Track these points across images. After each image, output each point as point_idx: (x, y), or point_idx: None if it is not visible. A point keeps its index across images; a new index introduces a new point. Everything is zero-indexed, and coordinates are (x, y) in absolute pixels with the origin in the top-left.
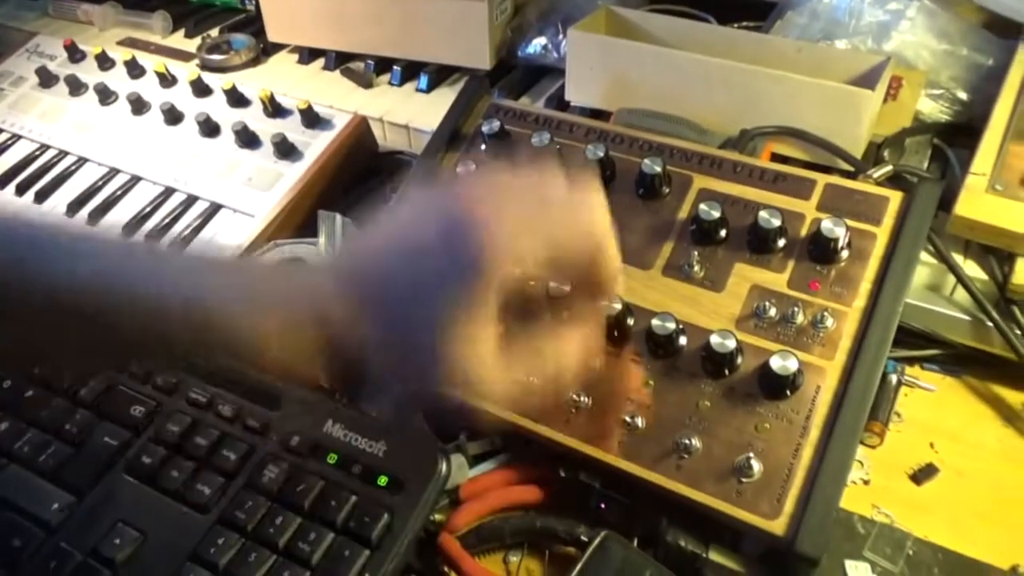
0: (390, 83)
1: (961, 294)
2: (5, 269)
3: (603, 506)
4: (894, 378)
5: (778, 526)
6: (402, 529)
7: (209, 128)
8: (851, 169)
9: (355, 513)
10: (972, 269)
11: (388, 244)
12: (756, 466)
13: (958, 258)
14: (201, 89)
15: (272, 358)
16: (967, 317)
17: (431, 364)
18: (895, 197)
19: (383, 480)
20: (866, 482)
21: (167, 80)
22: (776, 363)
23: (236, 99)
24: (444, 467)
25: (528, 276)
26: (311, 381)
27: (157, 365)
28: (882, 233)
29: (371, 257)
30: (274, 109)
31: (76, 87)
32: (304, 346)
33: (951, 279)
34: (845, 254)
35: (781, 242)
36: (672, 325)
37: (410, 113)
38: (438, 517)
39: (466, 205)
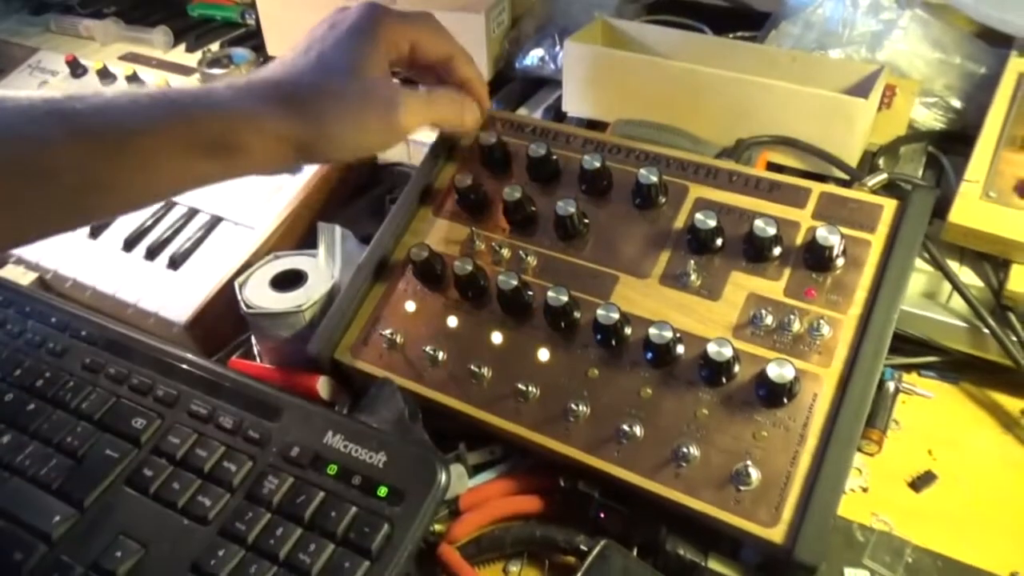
0: None
1: (957, 301)
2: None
3: (602, 515)
4: (891, 385)
5: (776, 534)
6: (402, 540)
7: None
8: (846, 177)
9: (355, 524)
10: (967, 276)
11: (285, 54)
12: (754, 474)
13: (953, 265)
14: None
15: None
16: (963, 324)
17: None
18: (889, 205)
19: (383, 491)
20: (865, 490)
21: None
22: (773, 371)
23: None
24: (444, 477)
25: (404, 45)
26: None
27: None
28: (877, 241)
29: (272, 64)
30: None
31: None
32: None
33: (947, 286)
34: (840, 262)
35: (777, 250)
36: (669, 334)
37: None
38: (438, 527)
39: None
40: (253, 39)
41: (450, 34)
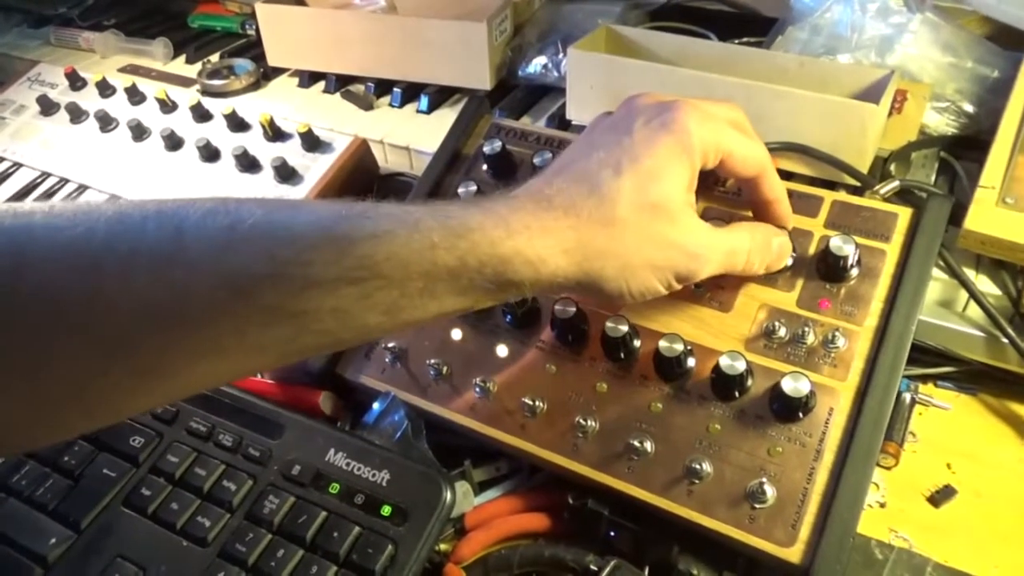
0: (390, 105)
1: (974, 310)
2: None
3: (613, 534)
4: (908, 397)
5: (793, 554)
6: (407, 560)
7: (209, 153)
8: (857, 184)
9: (358, 545)
10: (985, 284)
11: (586, 158)
12: (769, 491)
13: (970, 273)
14: (201, 114)
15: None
16: (981, 333)
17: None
18: (904, 213)
19: (386, 510)
20: (882, 505)
21: (167, 106)
22: (787, 385)
23: (236, 123)
24: (449, 495)
25: (714, 160)
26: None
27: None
28: (892, 250)
29: (559, 160)
30: (274, 133)
31: (77, 114)
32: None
33: (964, 295)
34: (855, 272)
35: (789, 260)
36: (680, 346)
37: (411, 135)
38: (443, 547)
39: (653, 100)
40: (253, 49)
41: (759, 142)
